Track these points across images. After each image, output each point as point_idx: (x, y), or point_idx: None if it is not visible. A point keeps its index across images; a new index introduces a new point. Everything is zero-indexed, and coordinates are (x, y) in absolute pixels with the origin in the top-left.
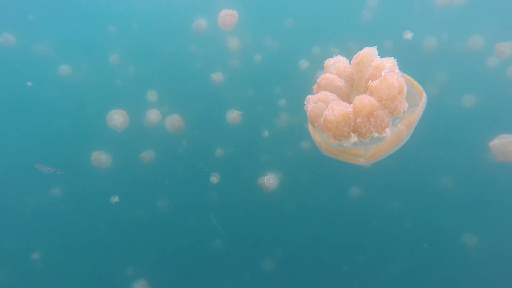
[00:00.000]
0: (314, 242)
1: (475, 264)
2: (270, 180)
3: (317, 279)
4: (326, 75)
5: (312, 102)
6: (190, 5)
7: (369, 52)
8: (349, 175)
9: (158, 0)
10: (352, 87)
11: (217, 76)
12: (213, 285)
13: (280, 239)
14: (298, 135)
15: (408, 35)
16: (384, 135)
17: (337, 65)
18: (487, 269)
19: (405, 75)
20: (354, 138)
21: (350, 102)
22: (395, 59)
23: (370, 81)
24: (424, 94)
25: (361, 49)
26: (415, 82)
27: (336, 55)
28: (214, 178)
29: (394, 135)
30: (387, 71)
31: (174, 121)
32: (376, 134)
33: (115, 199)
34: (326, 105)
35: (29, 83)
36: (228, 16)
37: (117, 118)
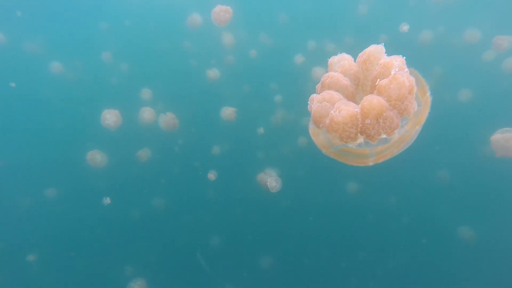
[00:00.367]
0: (311, 238)
1: (473, 257)
2: (272, 183)
3: (315, 275)
4: (331, 73)
5: (316, 102)
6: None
7: (376, 50)
8: (346, 170)
9: None
10: (357, 87)
11: (213, 73)
12: (210, 282)
13: (277, 236)
14: (295, 130)
15: (405, 27)
16: (392, 136)
17: (342, 63)
18: (484, 262)
19: (414, 70)
20: (360, 140)
21: (355, 102)
22: (404, 57)
23: (378, 80)
24: (428, 94)
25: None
26: (421, 78)
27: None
28: (212, 175)
29: (401, 136)
30: (396, 69)
31: (168, 119)
32: (384, 136)
33: (107, 200)
34: (331, 105)
35: (12, 84)
36: (222, 12)
37: (110, 117)
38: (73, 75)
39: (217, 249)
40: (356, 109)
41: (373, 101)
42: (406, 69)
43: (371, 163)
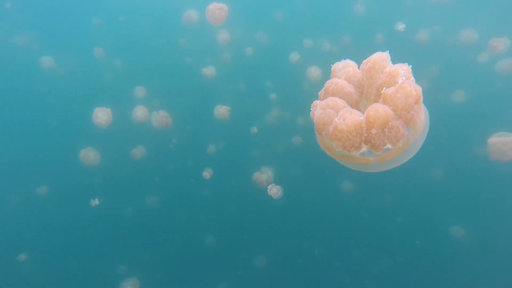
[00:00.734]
0: (306, 237)
1: (467, 256)
2: (273, 190)
3: (309, 273)
4: (335, 80)
5: (320, 108)
6: None
7: (381, 57)
8: (341, 169)
9: None
10: (361, 94)
11: (209, 71)
12: (204, 281)
13: (271, 234)
14: (290, 129)
15: (400, 27)
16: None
17: (346, 69)
18: (478, 261)
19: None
20: (364, 149)
21: (359, 110)
22: (410, 65)
23: (384, 88)
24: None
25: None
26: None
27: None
28: (207, 173)
29: (404, 145)
30: (403, 78)
31: (160, 117)
32: (390, 146)
33: (95, 202)
34: (335, 112)
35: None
36: (218, 9)
37: (102, 116)
38: (65, 70)
39: (211, 248)
40: (361, 118)
41: (379, 110)
42: (412, 78)
43: (372, 167)
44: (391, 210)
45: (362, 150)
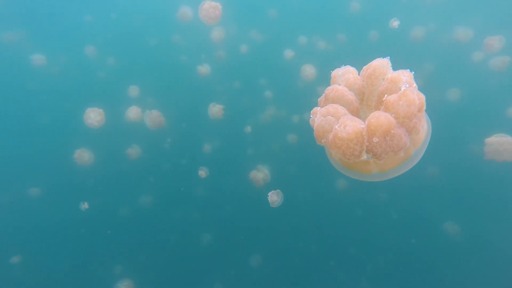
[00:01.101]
0: (301, 235)
1: (461, 252)
2: (274, 197)
3: (304, 271)
4: (335, 86)
5: (320, 115)
6: None
7: (382, 64)
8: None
9: None
10: (362, 102)
11: (204, 68)
12: (200, 279)
13: (266, 233)
14: (285, 126)
15: (395, 23)
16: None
17: (346, 76)
18: (472, 258)
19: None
20: (364, 158)
21: (359, 118)
22: (413, 72)
23: (386, 95)
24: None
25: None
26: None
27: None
28: (202, 172)
29: (405, 154)
30: (406, 85)
31: (153, 116)
32: (392, 155)
33: (84, 205)
34: (336, 120)
35: None
36: (211, 8)
37: (94, 116)
38: (56, 68)
39: (206, 247)
40: (362, 125)
41: (380, 117)
42: (415, 85)
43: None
44: (386, 207)
45: (362, 159)
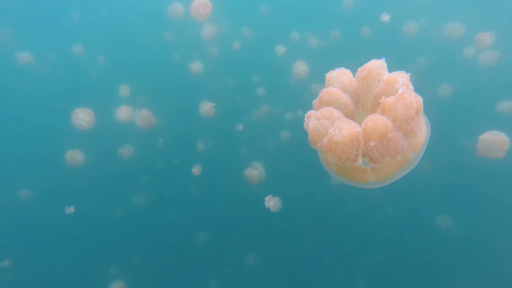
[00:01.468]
0: (296, 232)
1: (454, 247)
2: (271, 202)
3: (299, 269)
4: (330, 89)
5: (314, 119)
6: None
7: (378, 65)
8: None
9: None
10: (357, 104)
11: (196, 66)
12: (195, 278)
13: (262, 231)
14: (278, 123)
15: (386, 17)
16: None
17: (341, 78)
18: (467, 253)
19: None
20: (360, 162)
21: (355, 121)
22: (409, 74)
23: (383, 97)
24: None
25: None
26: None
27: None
28: (196, 170)
29: (403, 157)
30: (404, 87)
31: (144, 116)
32: (389, 159)
33: (70, 210)
34: (331, 123)
35: None
36: (202, 6)
37: (83, 117)
38: (44, 67)
39: (202, 246)
40: (357, 129)
41: (377, 120)
42: (412, 87)
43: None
44: (380, 203)
45: (357, 163)
